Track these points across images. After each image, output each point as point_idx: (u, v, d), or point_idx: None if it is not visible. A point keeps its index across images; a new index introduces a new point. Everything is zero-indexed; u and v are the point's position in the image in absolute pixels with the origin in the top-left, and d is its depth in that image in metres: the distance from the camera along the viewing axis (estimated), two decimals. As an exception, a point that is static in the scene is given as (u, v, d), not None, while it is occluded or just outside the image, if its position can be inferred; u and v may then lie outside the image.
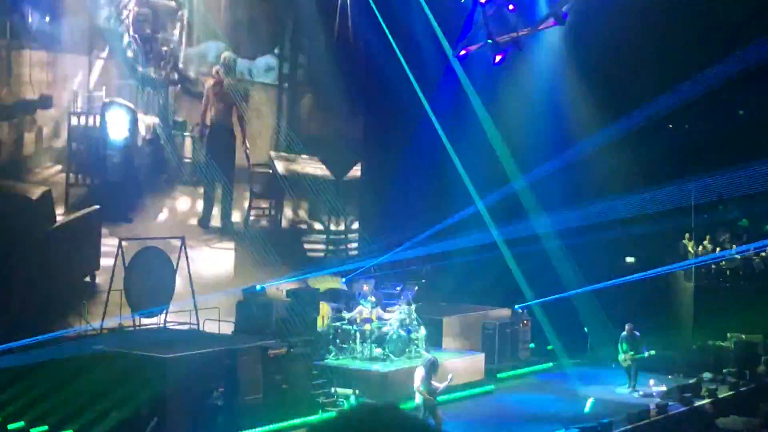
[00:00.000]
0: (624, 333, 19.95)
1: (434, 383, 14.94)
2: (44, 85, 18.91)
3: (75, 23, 19.40)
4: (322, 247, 24.70)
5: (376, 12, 22.30)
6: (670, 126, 24.36)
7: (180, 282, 19.41)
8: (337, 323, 19.50)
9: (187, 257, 19.39)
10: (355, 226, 25.39)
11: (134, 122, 20.55)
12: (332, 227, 24.95)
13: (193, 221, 21.71)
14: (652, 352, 20.07)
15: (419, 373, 14.94)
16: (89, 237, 19.51)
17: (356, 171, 25.46)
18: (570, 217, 22.39)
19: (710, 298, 23.56)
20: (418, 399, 14.88)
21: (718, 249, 25.32)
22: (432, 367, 15.03)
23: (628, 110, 22.64)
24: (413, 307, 19.84)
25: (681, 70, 22.21)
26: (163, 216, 21.07)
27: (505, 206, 23.17)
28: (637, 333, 19.93)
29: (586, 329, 23.28)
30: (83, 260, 19.37)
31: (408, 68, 22.61)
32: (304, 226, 24.29)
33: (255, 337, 17.52)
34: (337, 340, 19.31)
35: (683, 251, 24.95)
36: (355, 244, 25.19)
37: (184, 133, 21.57)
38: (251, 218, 23.05)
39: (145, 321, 18.56)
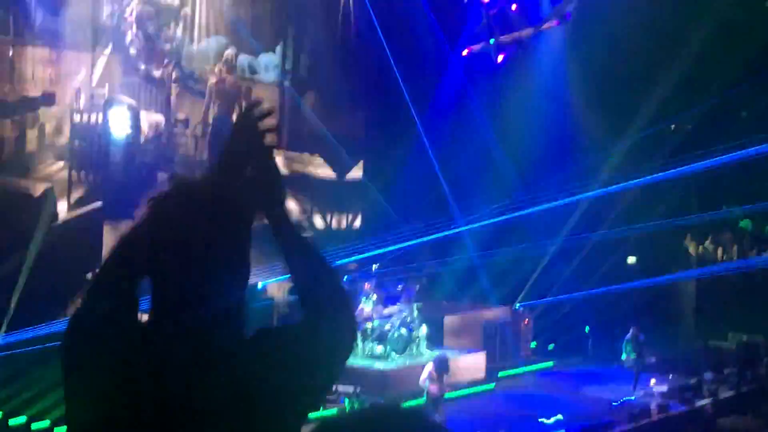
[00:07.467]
0: (629, 335, 20.15)
1: (446, 384, 14.99)
2: (47, 83, 18.93)
3: (78, 20, 19.40)
4: (323, 245, 24.65)
5: (376, 10, 22.30)
6: (673, 127, 24.28)
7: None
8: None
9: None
10: (357, 224, 25.34)
11: (137, 119, 20.55)
12: (334, 225, 24.90)
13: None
14: (652, 359, 20.22)
15: (427, 368, 15.00)
16: (91, 234, 19.51)
17: (358, 169, 25.42)
18: (572, 217, 22.34)
19: (712, 298, 23.54)
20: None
21: (719, 249, 25.30)
22: (441, 365, 15.04)
23: (633, 111, 22.58)
24: (415, 305, 19.83)
25: (685, 69, 22.14)
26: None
27: (506, 205, 23.11)
28: (642, 336, 20.09)
29: (587, 329, 23.27)
30: (84, 257, 19.36)
31: (409, 67, 22.59)
32: (305, 225, 24.25)
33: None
34: (338, 338, 19.27)
35: (685, 252, 24.93)
36: (356, 243, 25.11)
37: (186, 131, 21.59)
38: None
39: (145, 317, 18.53)
